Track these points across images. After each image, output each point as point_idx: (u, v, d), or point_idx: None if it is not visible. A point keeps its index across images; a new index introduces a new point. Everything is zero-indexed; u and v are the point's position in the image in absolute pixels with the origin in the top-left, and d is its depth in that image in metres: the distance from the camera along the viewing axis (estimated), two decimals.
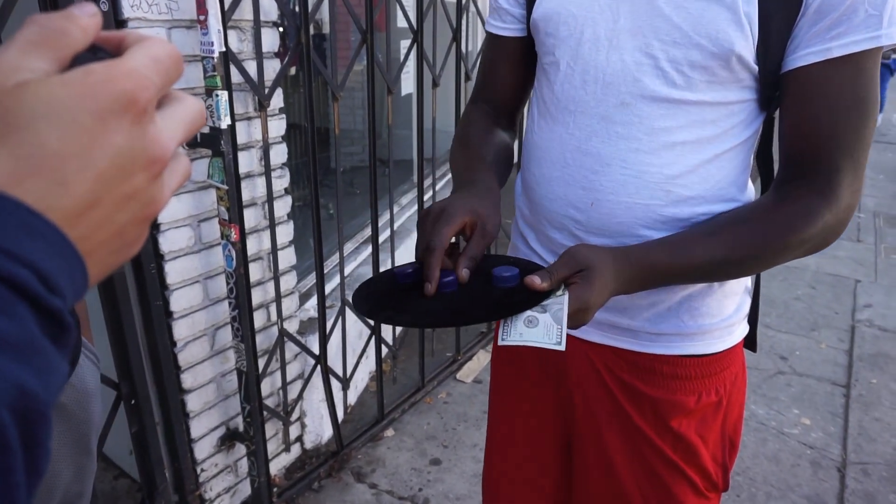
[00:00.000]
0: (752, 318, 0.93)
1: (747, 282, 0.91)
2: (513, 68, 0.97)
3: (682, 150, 0.78)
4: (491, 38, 0.98)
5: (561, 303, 0.65)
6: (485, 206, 0.75)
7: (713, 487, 0.93)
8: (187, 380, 1.68)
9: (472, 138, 0.95)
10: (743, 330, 0.91)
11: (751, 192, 0.87)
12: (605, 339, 0.89)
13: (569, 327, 0.64)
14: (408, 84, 2.57)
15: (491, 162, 0.89)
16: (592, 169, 0.80)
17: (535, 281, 0.66)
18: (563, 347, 0.62)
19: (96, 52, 0.27)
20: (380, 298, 0.73)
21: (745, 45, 0.71)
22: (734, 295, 0.87)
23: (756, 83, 0.75)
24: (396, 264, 0.79)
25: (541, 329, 0.64)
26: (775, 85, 0.75)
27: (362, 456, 2.23)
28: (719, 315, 0.84)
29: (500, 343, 0.65)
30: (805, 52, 0.71)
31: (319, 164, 1.78)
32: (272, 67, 1.68)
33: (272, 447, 2.02)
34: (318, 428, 2.24)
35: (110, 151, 0.25)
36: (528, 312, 0.65)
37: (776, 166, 0.81)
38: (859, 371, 2.90)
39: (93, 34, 0.27)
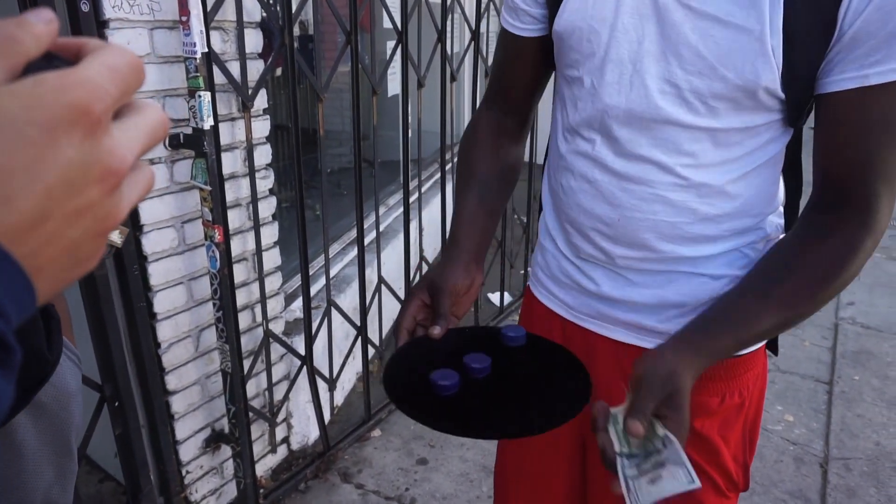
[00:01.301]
0: None
1: None
2: (528, 68, 0.94)
3: (707, 172, 0.77)
4: (506, 36, 0.93)
5: (673, 449, 0.63)
6: (453, 278, 0.81)
7: (734, 487, 0.92)
8: (172, 381, 1.68)
9: (472, 164, 0.95)
10: None
11: (780, 201, 0.86)
12: (632, 339, 0.88)
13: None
14: (394, 85, 2.58)
15: (479, 205, 0.91)
16: (620, 186, 0.80)
17: (637, 428, 0.64)
18: (699, 484, 0.61)
19: (52, 60, 0.26)
20: (416, 394, 0.71)
21: (772, 78, 0.70)
22: None
23: (782, 106, 0.74)
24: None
25: (667, 481, 0.62)
26: (803, 105, 0.74)
27: (349, 456, 2.23)
28: None
29: None
30: (841, 78, 0.69)
31: (306, 165, 1.79)
32: (256, 68, 1.68)
33: (258, 448, 2.02)
34: (305, 429, 2.23)
35: (60, 165, 0.23)
36: (645, 479, 0.62)
37: (805, 175, 0.81)
38: (842, 368, 2.93)
39: (47, 42, 0.25)
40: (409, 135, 2.22)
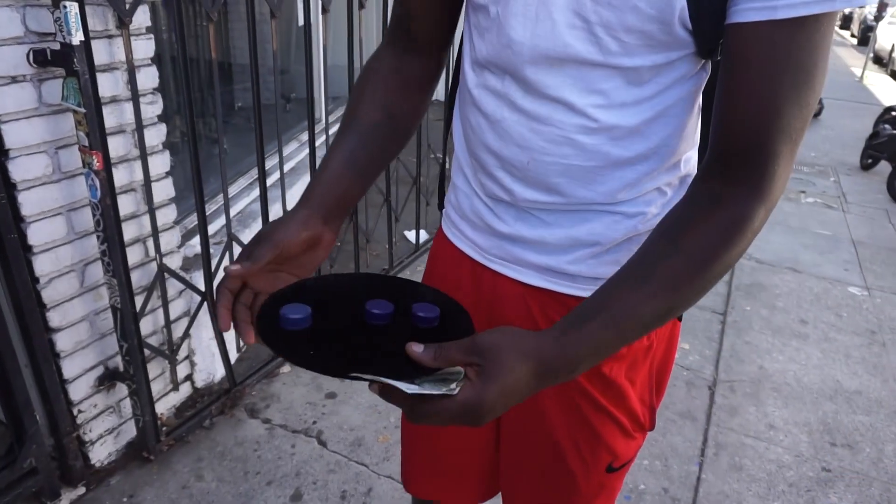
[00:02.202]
0: None
1: None
2: None
3: (619, 112, 0.71)
4: None
5: (437, 391, 0.57)
6: (283, 231, 0.72)
7: (640, 428, 0.91)
8: (54, 318, 1.59)
9: (355, 112, 0.85)
10: None
11: (697, 140, 0.79)
12: (542, 282, 0.84)
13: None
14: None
15: (348, 160, 0.82)
16: (529, 127, 0.74)
17: (415, 351, 0.58)
18: (455, 391, 0.56)
19: None
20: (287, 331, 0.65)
21: (683, 5, 0.63)
22: None
23: (694, 39, 0.67)
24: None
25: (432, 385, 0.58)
26: (716, 38, 0.66)
27: (257, 392, 2.21)
28: None
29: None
30: (746, 7, 0.60)
31: (215, 99, 1.68)
32: None
33: (159, 386, 1.97)
34: (210, 366, 2.19)
35: None
36: (414, 386, 0.57)
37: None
38: (736, 299, 3.13)
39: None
40: (314, 66, 2.13)
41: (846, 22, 19.94)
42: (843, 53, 14.59)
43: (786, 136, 0.62)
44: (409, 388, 0.55)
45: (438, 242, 0.98)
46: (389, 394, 0.58)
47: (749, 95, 0.62)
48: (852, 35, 18.39)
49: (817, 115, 7.16)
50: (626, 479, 1.98)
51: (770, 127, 0.62)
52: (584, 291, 0.82)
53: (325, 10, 2.15)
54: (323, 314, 0.66)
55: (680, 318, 0.91)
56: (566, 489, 0.94)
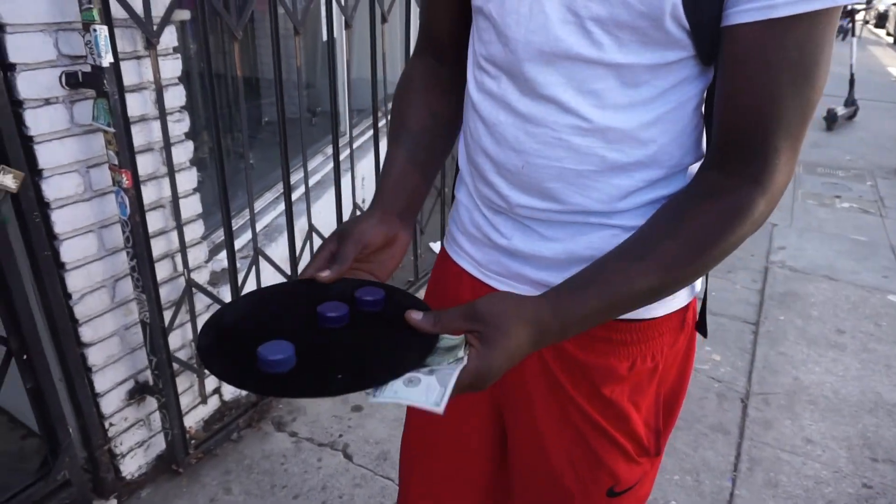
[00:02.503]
0: (702, 307, 0.88)
1: None
2: (450, 4, 0.87)
3: (614, 114, 0.69)
4: None
5: (453, 369, 0.56)
6: (364, 227, 0.76)
7: (644, 452, 0.89)
8: (87, 333, 1.63)
9: (403, 118, 0.88)
10: (683, 298, 0.83)
11: (702, 151, 0.78)
12: None
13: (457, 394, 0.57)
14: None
15: (409, 161, 0.85)
16: (524, 130, 0.73)
17: (415, 318, 0.58)
18: (441, 411, 0.54)
19: None
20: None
21: (675, 2, 0.62)
22: None
23: (692, 40, 0.65)
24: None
25: (421, 389, 0.56)
26: (714, 39, 0.65)
27: (283, 405, 2.23)
28: None
29: (370, 401, 0.56)
30: (744, 8, 0.60)
31: (248, 114, 1.71)
32: (162, 3, 1.59)
33: (188, 400, 1.99)
34: None
35: None
36: (412, 373, 0.56)
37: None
38: (769, 309, 3.05)
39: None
40: (338, 81, 2.15)
41: (881, 20, 19.45)
42: (879, 53, 14.23)
43: (786, 132, 0.63)
44: (429, 380, 0.56)
45: (440, 261, 0.98)
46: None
47: (749, 93, 0.62)
48: (888, 34, 17.92)
49: (852, 116, 6.98)
50: (655, 495, 1.94)
51: (770, 124, 0.62)
52: None
53: (348, 26, 2.18)
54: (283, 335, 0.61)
55: (705, 334, 0.89)
56: None
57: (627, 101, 0.69)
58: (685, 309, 0.84)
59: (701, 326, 0.89)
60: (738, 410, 2.33)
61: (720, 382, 2.48)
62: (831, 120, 6.51)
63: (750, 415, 2.30)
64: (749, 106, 0.63)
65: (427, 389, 0.55)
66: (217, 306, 2.00)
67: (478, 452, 1.00)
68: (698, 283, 0.87)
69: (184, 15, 1.89)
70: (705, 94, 0.73)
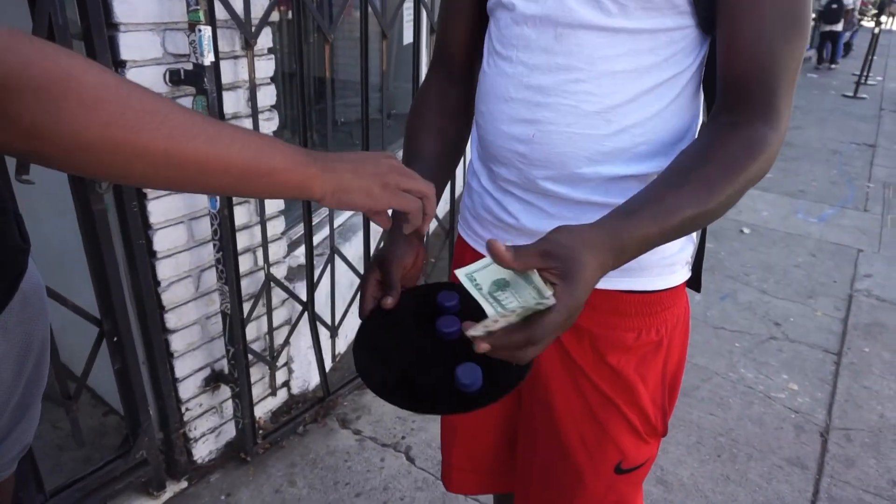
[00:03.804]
0: (697, 262, 0.93)
1: None
2: (466, 21, 0.95)
3: (622, 79, 0.77)
4: None
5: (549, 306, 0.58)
6: (400, 252, 0.83)
7: (652, 431, 0.93)
8: (171, 320, 1.69)
9: (415, 143, 0.95)
10: (685, 273, 0.91)
11: (699, 124, 0.85)
12: None
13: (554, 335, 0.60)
14: (410, 33, 2.50)
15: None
16: (535, 101, 0.80)
17: (499, 247, 0.58)
18: (552, 301, 0.58)
19: None
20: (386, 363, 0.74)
21: None
22: None
23: (691, 7, 0.74)
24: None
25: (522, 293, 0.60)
26: (711, 7, 0.74)
27: (348, 403, 2.25)
28: (660, 252, 0.83)
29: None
30: None
31: (320, 114, 1.75)
32: (260, 5, 1.63)
33: (258, 391, 2.04)
34: (306, 374, 2.26)
35: None
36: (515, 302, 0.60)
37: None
38: (853, 340, 2.89)
39: None
40: (418, 84, 2.17)
41: None
42: None
43: (783, 73, 0.71)
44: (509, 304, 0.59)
45: (458, 247, 1.04)
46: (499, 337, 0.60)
47: (746, 39, 0.71)
48: None
49: None
50: None
51: (770, 66, 0.71)
52: None
53: (433, 32, 2.19)
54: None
55: (698, 289, 0.94)
56: (573, 486, 0.95)
57: (633, 67, 0.76)
58: (683, 287, 0.90)
59: (695, 282, 0.93)
60: (816, 444, 2.21)
61: (797, 413, 2.36)
62: None
63: (830, 450, 2.18)
64: (748, 51, 0.71)
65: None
66: (291, 301, 2.04)
67: (510, 428, 1.07)
68: (688, 248, 0.90)
69: (274, 17, 1.94)
70: (704, 67, 0.81)
